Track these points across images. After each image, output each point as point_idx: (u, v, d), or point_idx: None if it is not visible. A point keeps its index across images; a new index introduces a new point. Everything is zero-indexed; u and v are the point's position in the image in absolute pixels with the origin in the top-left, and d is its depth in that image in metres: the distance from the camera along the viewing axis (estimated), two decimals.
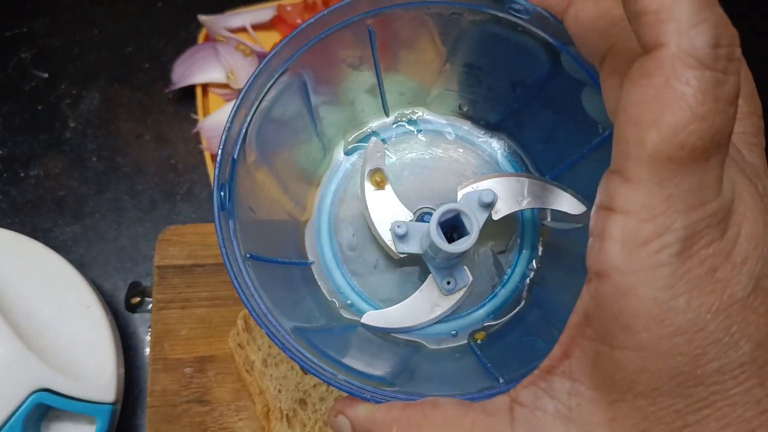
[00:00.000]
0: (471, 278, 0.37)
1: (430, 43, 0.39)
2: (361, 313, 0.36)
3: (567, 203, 0.37)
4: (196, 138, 0.57)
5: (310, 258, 0.38)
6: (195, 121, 0.57)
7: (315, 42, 0.36)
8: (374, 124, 0.42)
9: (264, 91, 0.35)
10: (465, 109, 0.41)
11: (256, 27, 0.61)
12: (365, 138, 0.41)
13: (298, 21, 0.61)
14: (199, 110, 0.57)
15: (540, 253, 0.39)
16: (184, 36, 0.62)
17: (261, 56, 0.59)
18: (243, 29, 0.61)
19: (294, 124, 0.38)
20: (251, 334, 0.45)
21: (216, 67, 0.58)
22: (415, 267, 0.38)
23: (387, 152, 0.40)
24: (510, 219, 0.38)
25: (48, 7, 0.62)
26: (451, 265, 0.37)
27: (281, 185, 0.38)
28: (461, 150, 0.41)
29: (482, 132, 0.41)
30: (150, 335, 0.47)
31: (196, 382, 0.46)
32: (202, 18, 0.59)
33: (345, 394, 0.28)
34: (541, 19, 0.33)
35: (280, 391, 0.43)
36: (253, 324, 0.45)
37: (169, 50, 0.61)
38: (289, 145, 0.39)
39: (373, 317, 0.36)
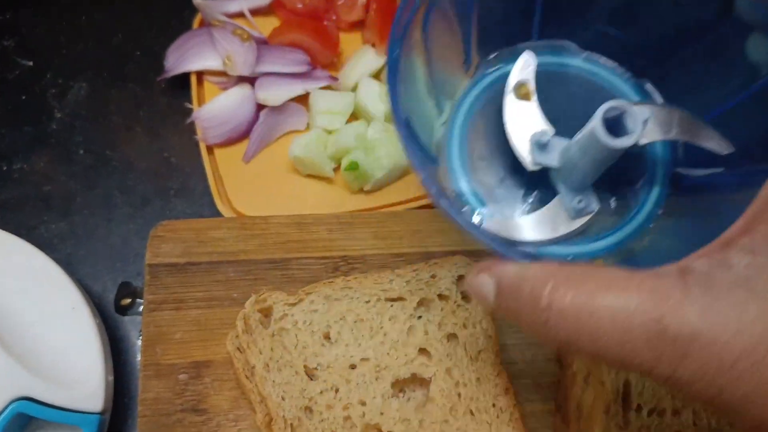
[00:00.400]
0: (598, 206, 0.38)
1: None
2: (482, 220, 0.38)
3: (715, 142, 0.37)
4: (191, 129, 0.54)
5: (440, 161, 0.40)
6: (189, 111, 0.54)
7: None
8: (521, 46, 0.42)
9: None
10: (614, 48, 0.42)
11: (255, 12, 0.58)
12: (510, 58, 0.42)
13: (299, 6, 0.58)
14: (194, 99, 0.54)
15: (668, 197, 0.40)
16: (177, 24, 0.59)
17: (260, 42, 0.55)
18: (240, 14, 0.58)
19: (451, 24, 0.40)
20: (252, 336, 0.41)
21: (212, 54, 0.55)
22: (541, 187, 0.39)
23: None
24: (644, 159, 0.40)
25: None
26: (582, 188, 0.38)
27: (429, 81, 0.40)
28: (604, 88, 0.42)
29: (627, 75, 0.42)
30: (141, 339, 0.43)
31: (191, 390, 0.42)
32: (197, 1, 0.56)
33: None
34: None
35: (283, 399, 0.39)
36: (254, 325, 0.41)
37: (162, 39, 0.58)
38: (443, 45, 0.40)
39: (495, 223, 0.37)
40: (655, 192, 0.40)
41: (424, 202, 0.51)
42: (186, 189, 0.53)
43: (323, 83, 0.54)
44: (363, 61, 0.55)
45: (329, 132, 0.52)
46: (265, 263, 0.46)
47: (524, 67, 0.40)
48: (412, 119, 0.36)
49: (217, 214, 0.50)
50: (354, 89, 0.54)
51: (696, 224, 0.38)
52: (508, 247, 0.29)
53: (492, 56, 0.43)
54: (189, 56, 0.55)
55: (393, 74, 0.34)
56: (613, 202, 0.40)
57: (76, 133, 0.54)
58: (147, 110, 0.55)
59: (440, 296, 0.43)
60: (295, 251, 0.47)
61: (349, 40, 0.58)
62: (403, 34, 0.35)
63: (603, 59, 0.43)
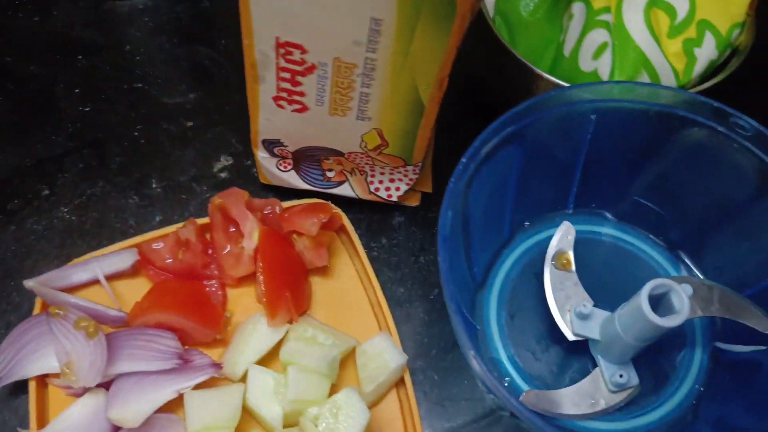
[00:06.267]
0: (638, 381, 0.38)
1: (634, 143, 0.41)
2: (518, 390, 0.38)
3: (757, 320, 0.37)
4: None
5: (478, 325, 0.40)
6: None
7: (548, 115, 0.38)
8: (557, 214, 0.45)
9: (488, 145, 0.37)
10: (649, 219, 0.44)
11: (114, 277, 0.45)
12: (546, 225, 0.44)
13: (169, 261, 0.45)
14: (32, 417, 0.40)
15: (708, 373, 0.40)
16: (18, 299, 0.46)
17: (118, 324, 0.42)
18: (96, 282, 0.45)
19: (492, 194, 0.41)
20: None
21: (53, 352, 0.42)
22: (580, 356, 0.40)
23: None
24: (683, 333, 0.41)
25: None
26: (622, 361, 0.38)
27: (467, 251, 0.40)
28: (639, 258, 0.43)
29: (662, 245, 0.44)
30: None
31: None
32: (28, 284, 0.43)
33: None
34: (764, 138, 0.36)
35: None
36: None
37: None
38: (481, 213, 0.40)
39: (533, 396, 0.36)
40: (695, 367, 0.41)
41: None
42: None
43: (201, 378, 0.41)
44: (253, 339, 0.42)
45: None
46: None
47: (563, 236, 0.41)
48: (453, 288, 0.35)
49: None
50: (243, 378, 0.42)
51: (747, 399, 0.38)
52: (547, 423, 0.29)
53: (527, 224, 0.45)
54: (26, 357, 0.42)
55: (445, 245, 0.34)
56: (654, 376, 0.40)
57: None
58: None
59: None
60: None
61: (237, 296, 0.45)
62: (452, 203, 0.35)
63: (638, 230, 0.45)
